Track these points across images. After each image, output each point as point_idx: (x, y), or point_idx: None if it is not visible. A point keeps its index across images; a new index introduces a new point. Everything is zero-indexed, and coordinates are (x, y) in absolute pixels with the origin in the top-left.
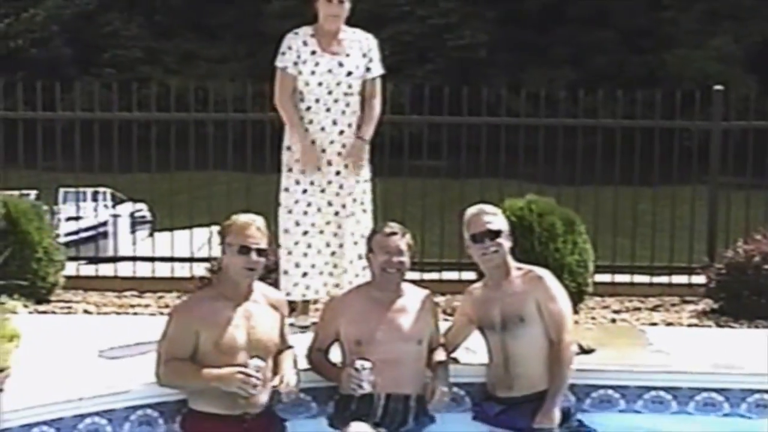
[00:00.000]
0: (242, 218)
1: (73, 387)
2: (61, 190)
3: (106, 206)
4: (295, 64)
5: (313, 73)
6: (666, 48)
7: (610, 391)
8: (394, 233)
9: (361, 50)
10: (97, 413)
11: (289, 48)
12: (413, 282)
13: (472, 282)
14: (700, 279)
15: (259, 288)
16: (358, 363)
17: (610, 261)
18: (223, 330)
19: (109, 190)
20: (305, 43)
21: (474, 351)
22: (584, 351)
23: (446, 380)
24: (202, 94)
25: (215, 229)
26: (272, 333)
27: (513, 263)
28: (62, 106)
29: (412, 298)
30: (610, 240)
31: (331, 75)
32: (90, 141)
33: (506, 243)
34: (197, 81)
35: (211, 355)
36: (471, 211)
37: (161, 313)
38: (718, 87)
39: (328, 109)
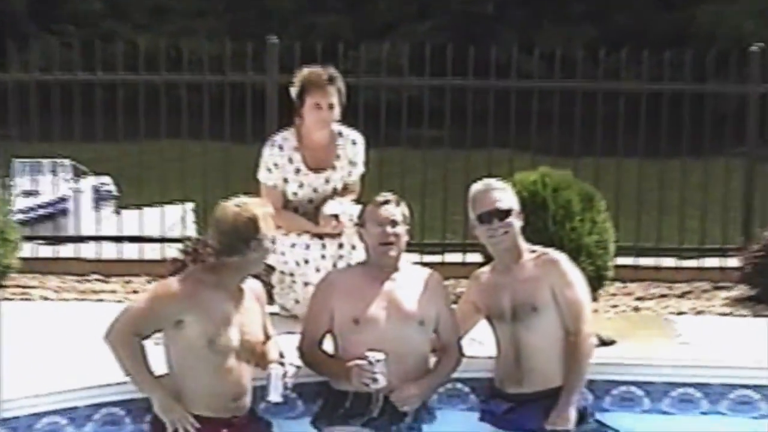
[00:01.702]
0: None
1: (29, 383)
2: (16, 162)
3: (66, 180)
4: (285, 181)
5: (295, 194)
6: (697, 3)
7: (632, 388)
8: (386, 202)
9: (347, 158)
10: (55, 411)
11: (275, 165)
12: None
13: (478, 266)
14: (734, 262)
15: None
16: (370, 355)
17: (633, 242)
18: (219, 327)
19: (69, 162)
20: (290, 160)
21: (480, 342)
22: (604, 343)
23: (433, 382)
24: (174, 54)
25: (189, 206)
26: (260, 330)
27: (525, 245)
28: (17, 67)
29: (412, 275)
30: (633, 218)
31: (316, 193)
32: (48, 106)
33: (517, 222)
34: (169, 39)
35: (200, 351)
36: (477, 186)
37: (128, 300)
38: (756, 46)
39: (304, 213)
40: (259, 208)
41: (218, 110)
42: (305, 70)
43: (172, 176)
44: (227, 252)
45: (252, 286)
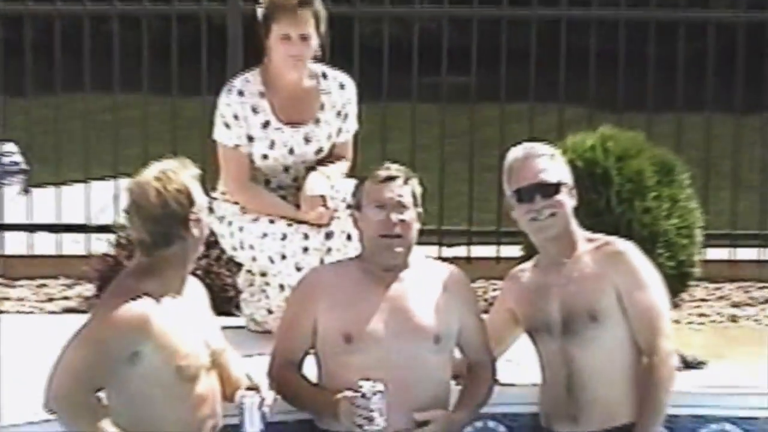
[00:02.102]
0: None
1: None
2: None
3: None
4: (250, 139)
5: (265, 157)
6: None
7: (728, 426)
8: (390, 178)
9: (335, 107)
10: None
11: (235, 118)
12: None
13: (516, 262)
14: None
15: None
16: (365, 385)
17: (729, 228)
18: (185, 345)
19: None
20: (255, 110)
21: (519, 364)
22: (689, 365)
23: (456, 419)
24: None
25: (124, 183)
26: (219, 332)
27: (580, 232)
28: None
29: (425, 274)
30: (728, 197)
31: (293, 156)
32: None
33: (569, 201)
34: None
35: (166, 382)
36: (515, 153)
37: (43, 311)
38: None
39: (279, 186)
40: (183, 171)
41: (163, 52)
42: None
43: (101, 143)
44: (163, 242)
45: (192, 282)
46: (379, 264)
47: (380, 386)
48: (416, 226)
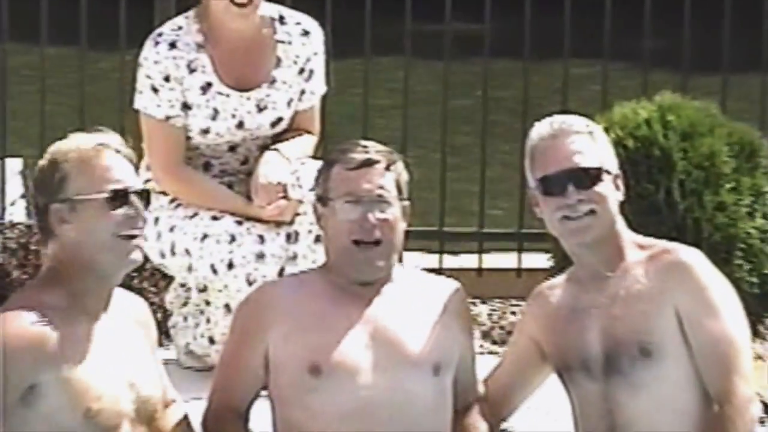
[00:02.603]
0: (82, 145)
1: None
2: None
3: None
4: (185, 107)
5: (205, 133)
6: None
7: None
8: (368, 163)
9: (296, 63)
10: None
11: (166, 80)
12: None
13: (544, 275)
14: None
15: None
16: None
17: None
18: (96, 381)
19: None
20: (191, 68)
21: (545, 412)
22: None
23: None
24: None
25: (14, 164)
26: (156, 379)
27: (628, 236)
28: None
29: (416, 288)
30: None
31: (242, 129)
32: None
33: (612, 194)
34: None
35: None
36: (541, 129)
37: None
38: None
39: (223, 170)
40: (72, 143)
41: None
42: None
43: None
44: (42, 237)
45: (129, 304)
46: (352, 277)
47: None
48: (402, 225)
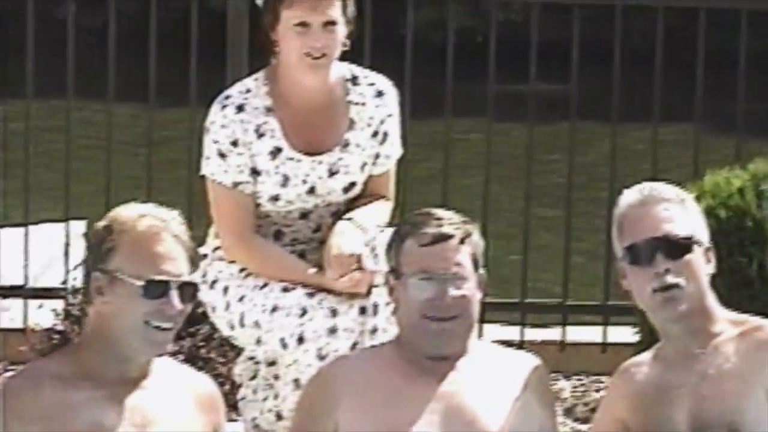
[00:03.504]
0: (140, 220)
1: None
2: None
3: None
4: (254, 173)
5: (275, 200)
6: None
7: None
8: (442, 238)
9: (370, 125)
10: None
11: (234, 144)
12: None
13: (631, 350)
14: None
15: (171, 368)
16: None
17: None
18: None
19: None
20: (259, 133)
21: None
22: None
23: None
24: None
25: (78, 226)
26: None
27: (719, 311)
28: None
29: (492, 363)
30: None
31: (314, 195)
32: None
33: (704, 266)
34: None
35: None
36: (630, 196)
37: None
38: None
39: (295, 239)
40: (135, 214)
41: (136, 45)
42: None
43: (47, 172)
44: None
45: (190, 383)
46: (425, 352)
47: None
48: (478, 297)
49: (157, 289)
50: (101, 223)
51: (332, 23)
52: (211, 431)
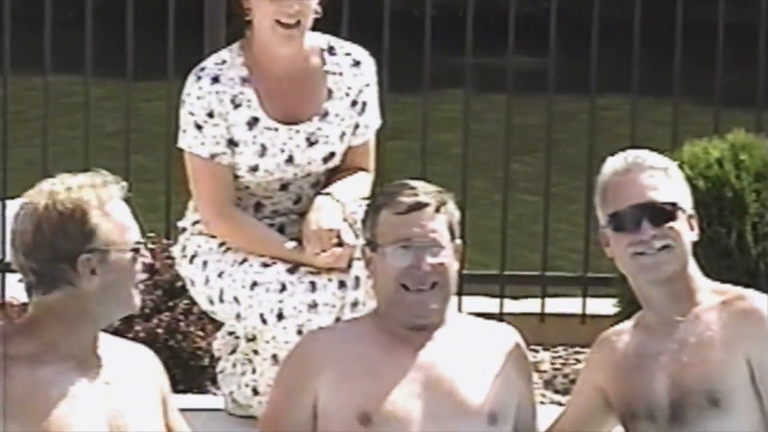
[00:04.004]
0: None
1: None
2: None
3: None
4: (231, 143)
5: (253, 171)
6: None
7: None
8: (417, 206)
9: (349, 95)
10: None
11: (210, 115)
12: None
13: (610, 321)
14: None
15: (112, 341)
16: None
17: None
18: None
19: None
20: (235, 103)
21: None
22: None
23: None
24: None
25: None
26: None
27: (701, 280)
28: None
29: (470, 333)
30: None
31: (293, 165)
32: None
33: (687, 234)
34: None
35: None
36: (614, 164)
37: None
38: None
39: (275, 210)
40: (88, 187)
41: (113, 17)
42: None
43: (21, 148)
44: (39, 284)
45: (134, 356)
46: (403, 322)
47: None
48: (455, 266)
49: (138, 251)
50: (62, 205)
51: None
52: (160, 393)
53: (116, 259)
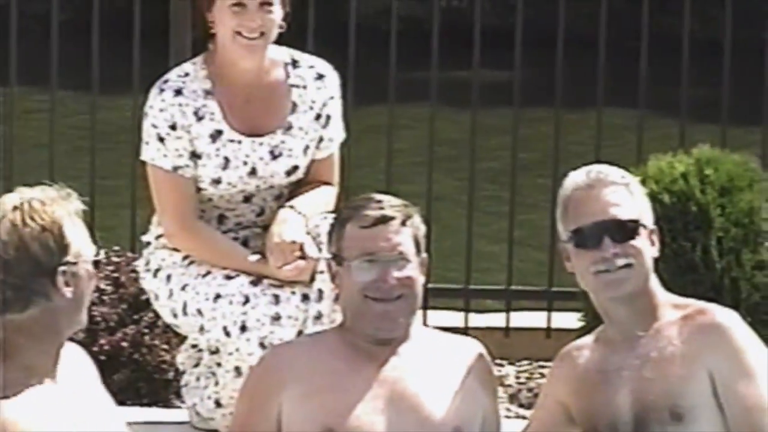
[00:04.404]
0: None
1: None
2: None
3: None
4: (194, 156)
5: (216, 183)
6: None
7: None
8: (383, 219)
9: (313, 108)
10: None
11: (172, 128)
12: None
13: (574, 335)
14: None
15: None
16: None
17: None
18: None
19: None
20: (198, 115)
21: None
22: None
23: None
24: None
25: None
26: None
27: (662, 294)
28: None
29: (434, 348)
30: None
31: (256, 178)
32: None
33: (648, 250)
34: None
35: None
36: (576, 179)
37: None
38: None
39: (239, 223)
40: (58, 203)
41: (80, 31)
42: None
43: None
44: (16, 302)
45: (77, 357)
46: (368, 335)
47: None
48: (420, 280)
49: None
50: (41, 221)
51: (268, 3)
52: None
53: (84, 272)
